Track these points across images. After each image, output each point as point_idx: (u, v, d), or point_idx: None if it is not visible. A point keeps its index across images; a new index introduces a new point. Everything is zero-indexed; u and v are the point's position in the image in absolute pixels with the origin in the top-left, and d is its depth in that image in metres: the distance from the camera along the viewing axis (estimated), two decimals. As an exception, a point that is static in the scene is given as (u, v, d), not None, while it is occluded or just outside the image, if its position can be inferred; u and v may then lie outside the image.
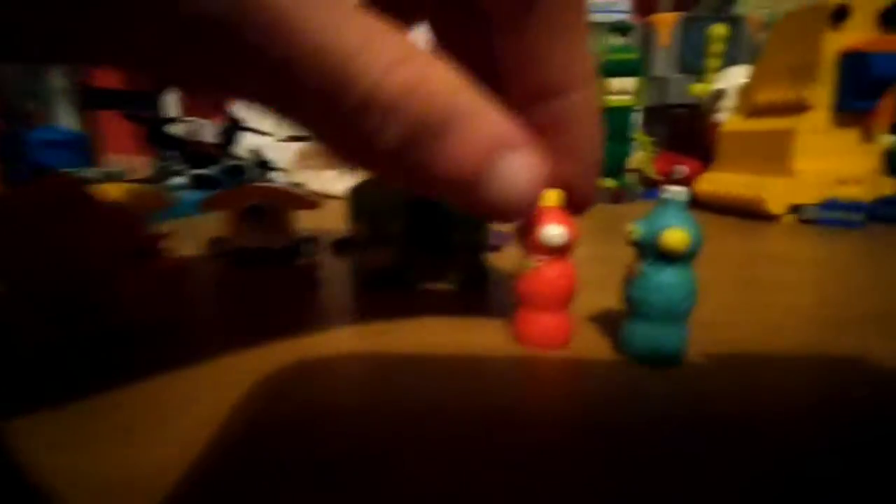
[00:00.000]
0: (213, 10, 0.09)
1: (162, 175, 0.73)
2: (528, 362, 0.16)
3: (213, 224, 0.27)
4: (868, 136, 0.44)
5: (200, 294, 0.24)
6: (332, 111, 0.11)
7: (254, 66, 0.10)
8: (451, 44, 0.17)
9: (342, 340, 0.18)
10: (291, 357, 0.16)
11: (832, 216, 0.43)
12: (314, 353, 0.17)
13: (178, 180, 0.75)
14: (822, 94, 0.43)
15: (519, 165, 0.12)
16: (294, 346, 0.17)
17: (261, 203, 0.23)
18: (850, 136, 0.44)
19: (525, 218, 0.15)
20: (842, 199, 0.43)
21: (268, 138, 0.80)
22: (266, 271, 0.24)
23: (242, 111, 0.77)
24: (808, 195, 0.44)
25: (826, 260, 0.31)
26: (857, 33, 0.42)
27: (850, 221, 0.41)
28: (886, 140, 0.46)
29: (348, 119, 0.11)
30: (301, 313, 0.21)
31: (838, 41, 0.42)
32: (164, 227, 0.24)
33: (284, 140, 0.81)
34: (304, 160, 0.75)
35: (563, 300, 0.17)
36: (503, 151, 0.12)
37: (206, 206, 0.23)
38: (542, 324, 0.17)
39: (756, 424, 0.12)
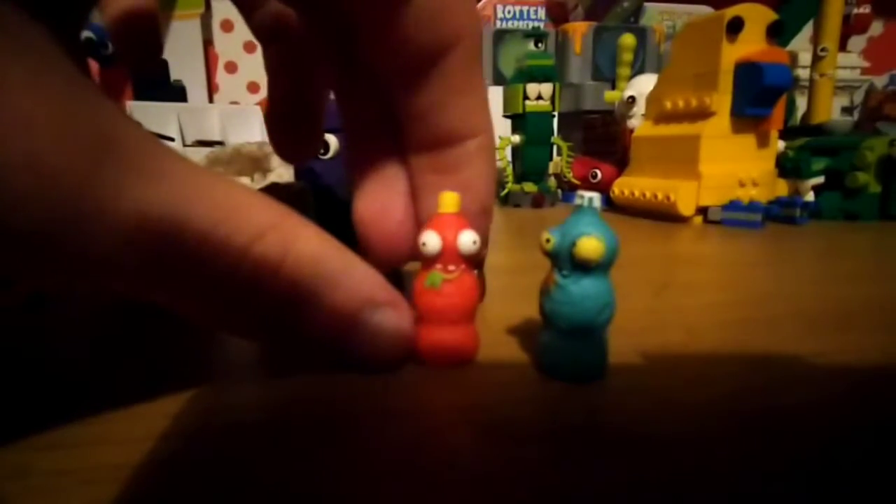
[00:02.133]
0: (27, 227, 0.08)
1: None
2: (433, 374, 0.15)
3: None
4: (764, 141, 0.47)
5: (70, 322, 0.21)
6: (197, 283, 0.11)
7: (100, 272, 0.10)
8: (353, 101, 0.17)
9: (246, 364, 0.16)
10: (193, 388, 0.14)
11: (735, 217, 0.45)
12: (217, 382, 0.14)
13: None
14: (723, 101, 0.45)
15: (384, 320, 0.13)
16: (195, 377, 0.15)
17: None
18: (749, 141, 0.47)
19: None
20: (742, 200, 0.45)
21: (172, 143, 0.75)
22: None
23: (141, 113, 0.71)
24: (714, 197, 0.46)
25: (732, 260, 0.33)
26: (751, 45, 0.45)
27: (751, 222, 0.44)
28: (779, 144, 0.50)
29: (211, 290, 0.11)
30: (199, 340, 0.18)
31: (735, 51, 0.44)
32: None
33: (191, 145, 0.76)
34: (213, 166, 0.70)
35: (474, 311, 0.15)
36: (369, 310, 0.13)
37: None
38: (455, 338, 0.15)
39: (670, 438, 0.12)
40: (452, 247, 0.14)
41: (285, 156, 0.21)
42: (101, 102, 0.09)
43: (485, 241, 0.16)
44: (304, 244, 0.12)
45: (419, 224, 0.17)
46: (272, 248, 0.11)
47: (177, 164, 0.10)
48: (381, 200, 0.17)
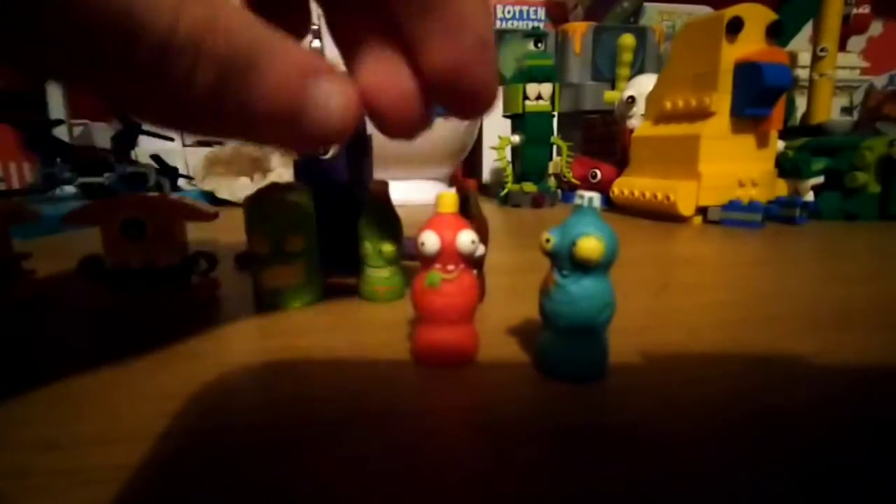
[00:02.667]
0: None
1: (47, 184, 0.65)
2: (433, 374, 0.15)
3: (89, 241, 0.23)
4: (764, 141, 0.47)
5: (69, 323, 0.21)
6: (130, 67, 0.10)
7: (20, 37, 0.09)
8: None
9: (244, 366, 0.16)
10: (192, 390, 0.14)
11: (734, 217, 0.45)
12: (215, 383, 0.14)
13: (66, 190, 0.67)
14: (723, 101, 0.45)
15: (331, 88, 0.13)
16: (193, 378, 0.15)
17: (141, 216, 0.20)
18: (748, 141, 0.47)
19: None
20: (742, 200, 0.45)
21: (171, 143, 0.74)
22: (151, 294, 0.21)
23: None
24: (713, 197, 0.46)
25: (732, 260, 0.33)
26: (751, 45, 0.45)
27: (751, 222, 0.44)
28: (779, 144, 0.50)
29: (151, 72, 0.10)
30: (197, 341, 0.18)
31: (735, 51, 0.44)
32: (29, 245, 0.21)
33: (191, 145, 0.76)
34: (212, 166, 0.70)
35: (473, 311, 0.15)
36: (314, 76, 0.12)
37: (68, 221, 0.20)
38: (453, 338, 0.15)
39: (663, 434, 0.12)
40: (451, 246, 0.14)
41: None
42: None
43: (494, 84, 0.15)
44: (233, 9, 0.11)
45: (423, 82, 0.16)
46: (204, 12, 0.10)
47: None
48: (381, 68, 0.16)
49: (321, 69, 0.12)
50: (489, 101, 0.15)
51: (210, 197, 0.67)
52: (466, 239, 0.14)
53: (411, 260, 0.28)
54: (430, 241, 0.14)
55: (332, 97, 0.13)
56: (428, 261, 0.15)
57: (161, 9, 0.10)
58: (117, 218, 0.20)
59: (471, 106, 0.15)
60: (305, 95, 0.12)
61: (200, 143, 0.74)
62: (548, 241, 0.14)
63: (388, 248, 0.22)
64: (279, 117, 0.12)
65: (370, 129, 0.18)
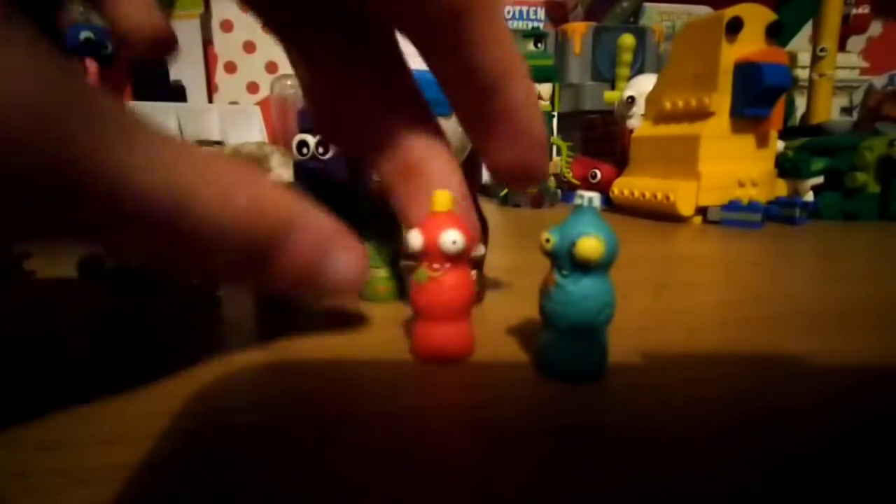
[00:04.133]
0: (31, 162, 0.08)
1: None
2: (433, 374, 0.15)
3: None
4: (764, 141, 0.47)
5: (71, 325, 0.21)
6: (177, 242, 0.12)
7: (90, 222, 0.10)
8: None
9: (244, 365, 0.16)
10: (191, 389, 0.14)
11: (734, 217, 0.45)
12: (215, 383, 0.14)
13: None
14: (722, 101, 0.45)
15: (346, 259, 0.14)
16: (193, 378, 0.15)
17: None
18: (748, 141, 0.47)
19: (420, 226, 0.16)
20: (742, 200, 0.45)
21: (171, 144, 0.75)
22: (153, 295, 0.21)
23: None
24: (713, 197, 0.46)
25: (732, 260, 0.33)
26: (750, 45, 0.45)
27: (750, 222, 0.44)
28: (779, 144, 0.50)
29: (192, 245, 0.12)
30: (197, 341, 0.18)
31: (735, 51, 0.44)
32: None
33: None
34: (212, 167, 0.70)
35: (462, 309, 0.15)
36: (331, 249, 0.14)
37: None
38: (441, 335, 0.15)
39: (663, 435, 0.12)
40: (434, 246, 0.15)
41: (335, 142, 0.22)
42: (84, 79, 0.09)
43: (545, 173, 0.17)
44: (271, 188, 0.13)
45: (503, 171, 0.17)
46: (247, 195, 0.12)
47: (151, 132, 0.11)
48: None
49: (338, 241, 0.14)
50: (541, 180, 0.18)
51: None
52: (447, 239, 0.15)
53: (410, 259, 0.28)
54: (413, 239, 0.15)
55: (344, 267, 0.14)
56: (417, 258, 0.15)
57: (210, 197, 0.11)
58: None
59: (526, 185, 0.18)
60: (322, 267, 0.14)
61: (200, 143, 0.74)
62: (548, 241, 0.14)
63: (387, 248, 0.22)
64: (297, 283, 0.14)
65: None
